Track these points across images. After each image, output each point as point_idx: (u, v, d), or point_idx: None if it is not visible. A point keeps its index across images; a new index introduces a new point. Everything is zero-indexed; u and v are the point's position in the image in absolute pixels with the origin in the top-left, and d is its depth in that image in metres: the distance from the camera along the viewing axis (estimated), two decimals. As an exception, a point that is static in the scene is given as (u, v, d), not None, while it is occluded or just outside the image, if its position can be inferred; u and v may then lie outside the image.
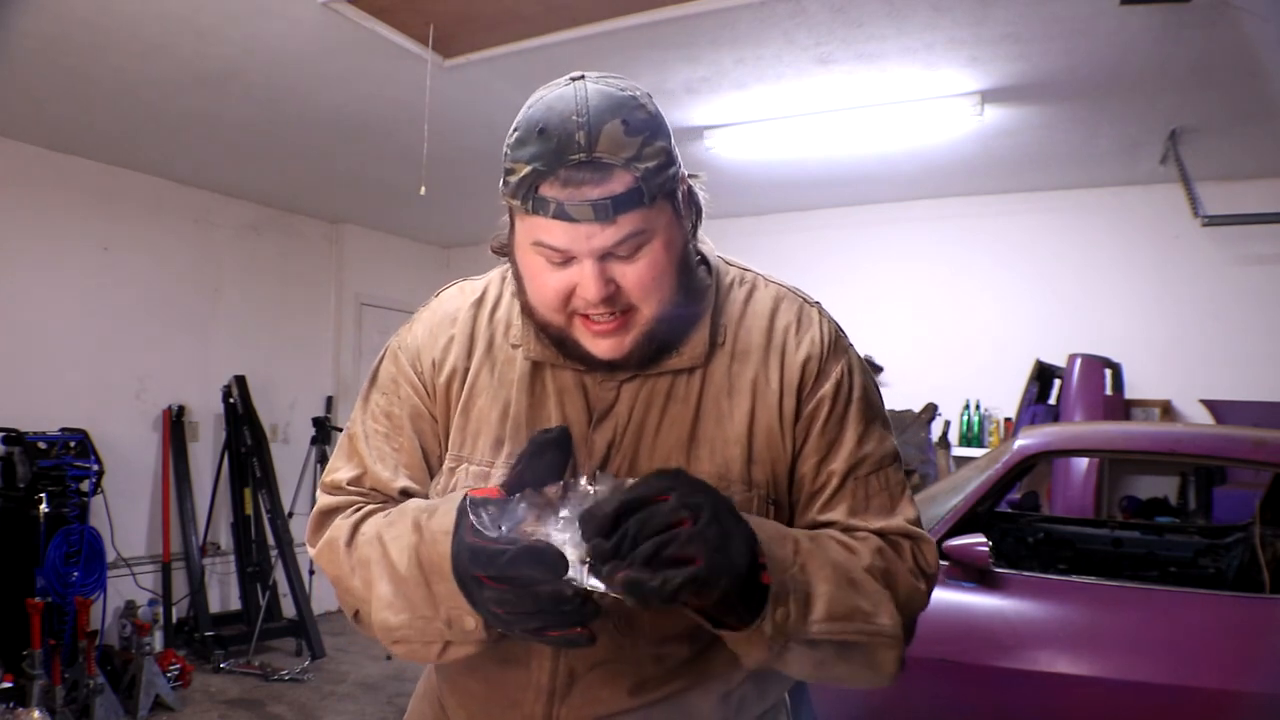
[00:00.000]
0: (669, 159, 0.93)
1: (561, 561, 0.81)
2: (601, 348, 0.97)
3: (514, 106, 0.98)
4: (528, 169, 0.90)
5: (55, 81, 3.64)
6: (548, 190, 0.90)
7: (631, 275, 0.93)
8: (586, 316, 0.96)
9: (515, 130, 0.93)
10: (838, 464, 1.01)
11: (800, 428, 1.02)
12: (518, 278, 1.01)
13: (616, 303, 0.94)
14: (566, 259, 0.93)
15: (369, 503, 1.05)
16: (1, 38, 3.16)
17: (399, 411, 1.08)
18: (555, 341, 1.00)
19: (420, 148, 3.60)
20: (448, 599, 0.89)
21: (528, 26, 3.15)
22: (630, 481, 0.84)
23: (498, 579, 0.83)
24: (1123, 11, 2.87)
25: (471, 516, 0.86)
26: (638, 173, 0.89)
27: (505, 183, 0.94)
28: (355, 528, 1.01)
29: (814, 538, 0.94)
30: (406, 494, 1.05)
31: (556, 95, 0.92)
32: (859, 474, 1.02)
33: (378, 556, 0.96)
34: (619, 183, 0.89)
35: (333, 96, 3.79)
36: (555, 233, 0.91)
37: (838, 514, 1.01)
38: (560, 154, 0.88)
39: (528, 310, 1.01)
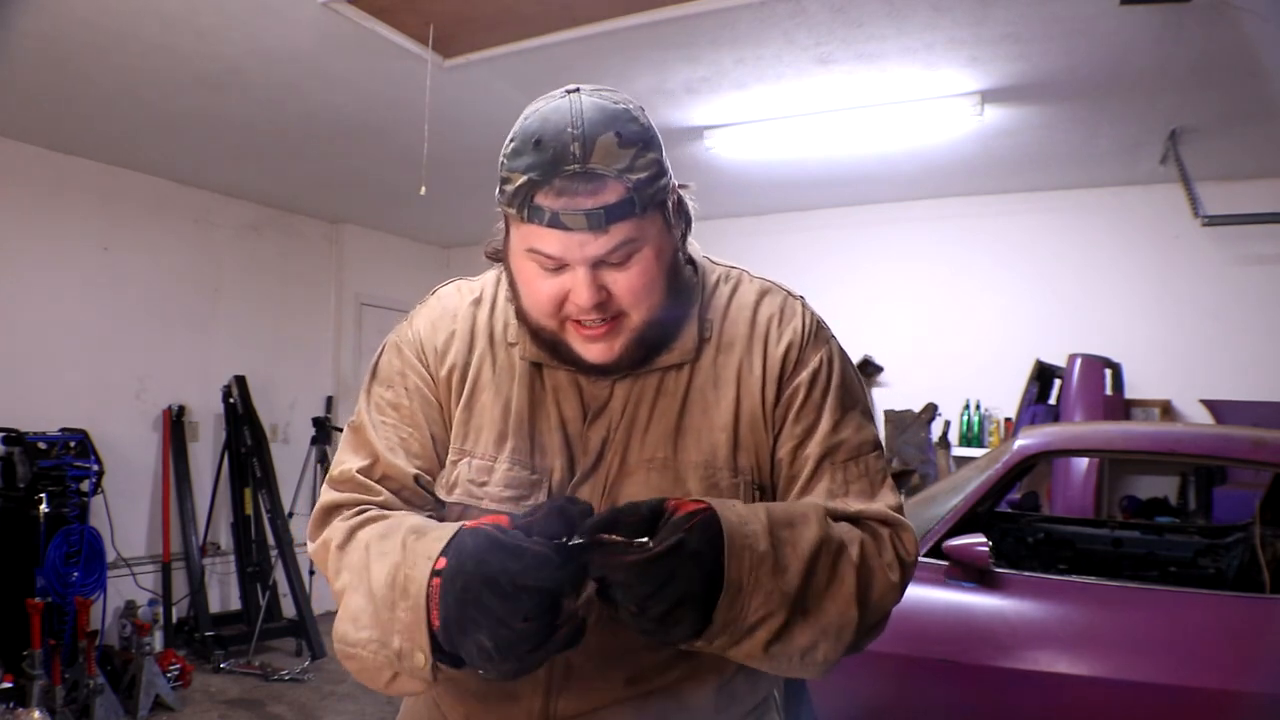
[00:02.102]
0: (660, 170, 0.96)
1: (585, 511, 0.86)
2: (592, 352, 1.00)
3: (514, 106, 1.00)
4: (523, 179, 0.93)
5: (55, 81, 3.64)
6: (543, 199, 0.92)
7: (623, 282, 0.97)
8: (578, 322, 0.99)
9: (511, 141, 0.96)
10: (812, 449, 1.04)
11: (778, 413, 1.05)
12: (512, 284, 1.04)
13: (607, 309, 0.98)
14: (560, 266, 0.96)
15: (373, 501, 1.04)
16: (1, 37, 3.16)
17: (407, 403, 1.09)
18: (549, 346, 1.03)
19: (420, 148, 3.60)
20: (407, 628, 0.87)
21: (528, 26, 3.15)
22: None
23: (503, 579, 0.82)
24: (1123, 11, 2.87)
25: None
26: (630, 183, 0.92)
27: (501, 191, 0.96)
28: (352, 532, 1.00)
29: (816, 556, 0.92)
30: (419, 481, 1.06)
31: (552, 107, 0.95)
32: (835, 460, 1.04)
33: (361, 567, 0.95)
34: (612, 193, 0.92)
35: (333, 96, 3.79)
36: (549, 241, 0.94)
37: (816, 498, 1.02)
38: (555, 164, 0.91)
39: (522, 315, 1.04)
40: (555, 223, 0.92)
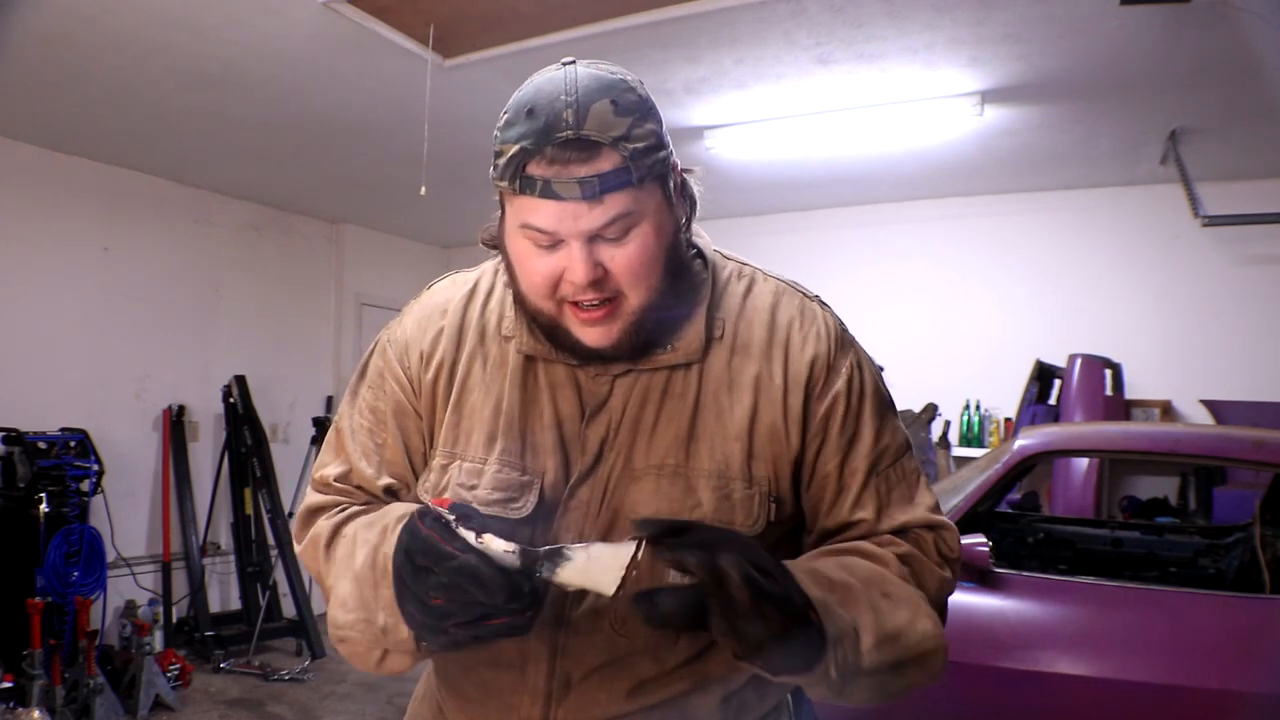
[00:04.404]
0: (659, 142, 0.93)
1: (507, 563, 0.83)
2: (590, 336, 0.96)
3: (514, 106, 0.98)
4: (515, 148, 0.90)
5: (56, 81, 3.64)
6: (535, 169, 0.89)
7: (620, 258, 0.92)
8: (576, 304, 0.95)
9: (505, 113, 0.94)
10: (860, 461, 1.01)
11: (816, 427, 1.01)
12: (508, 267, 1.00)
13: (604, 287, 0.93)
14: (555, 242, 0.92)
15: (354, 502, 1.06)
16: (2, 37, 3.16)
17: (383, 407, 1.08)
18: (547, 332, 0.99)
19: (420, 148, 3.60)
20: (388, 604, 0.89)
21: (527, 26, 3.15)
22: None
23: (440, 571, 0.83)
24: (1123, 11, 2.87)
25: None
26: (626, 152, 0.89)
27: (494, 166, 0.94)
28: (337, 528, 1.02)
29: (842, 564, 0.93)
30: (390, 491, 1.06)
31: (546, 78, 0.93)
32: (880, 469, 1.02)
33: (346, 556, 0.97)
34: (607, 161, 0.88)
35: (333, 96, 3.79)
36: (543, 213, 0.90)
37: (867, 511, 1.01)
38: (548, 132, 0.88)
39: (519, 299, 1.00)
40: (548, 192, 0.89)
